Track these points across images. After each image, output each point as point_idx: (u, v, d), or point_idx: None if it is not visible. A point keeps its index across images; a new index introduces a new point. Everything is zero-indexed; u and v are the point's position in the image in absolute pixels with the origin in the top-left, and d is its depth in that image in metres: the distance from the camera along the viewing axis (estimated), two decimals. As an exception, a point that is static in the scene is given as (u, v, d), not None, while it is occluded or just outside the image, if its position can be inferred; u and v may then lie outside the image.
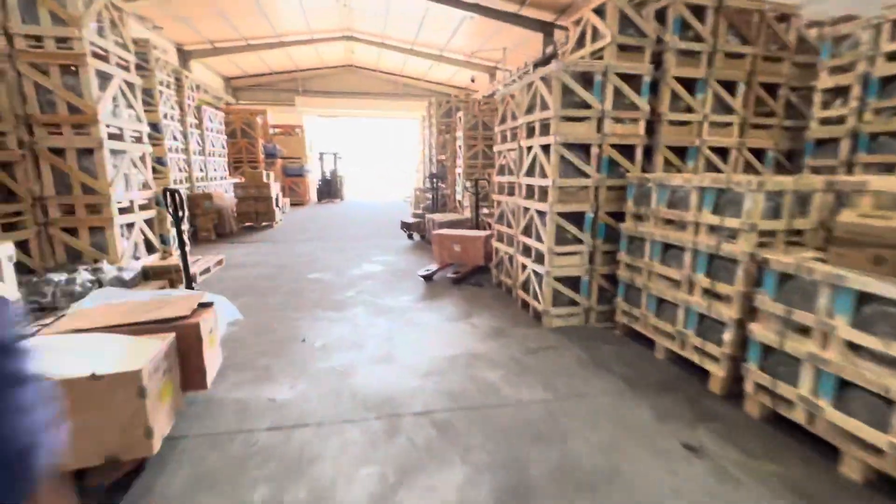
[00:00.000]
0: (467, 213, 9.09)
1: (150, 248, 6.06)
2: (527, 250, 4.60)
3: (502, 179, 5.34)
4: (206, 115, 9.85)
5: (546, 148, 4.08)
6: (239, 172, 12.07)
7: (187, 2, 13.84)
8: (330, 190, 18.15)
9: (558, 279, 4.13)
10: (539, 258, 4.29)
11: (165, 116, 7.85)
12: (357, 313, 4.48)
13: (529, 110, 4.46)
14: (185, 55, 17.35)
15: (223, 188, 10.87)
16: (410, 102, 24.63)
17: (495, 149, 5.61)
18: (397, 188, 27.85)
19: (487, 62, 19.90)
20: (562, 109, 3.88)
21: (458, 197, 10.77)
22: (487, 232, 6.14)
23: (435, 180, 10.16)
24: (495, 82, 18.78)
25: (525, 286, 4.62)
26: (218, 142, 10.80)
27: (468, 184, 8.97)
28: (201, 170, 9.74)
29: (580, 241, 4.10)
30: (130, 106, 5.69)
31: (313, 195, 18.70)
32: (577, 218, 4.09)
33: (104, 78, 4.94)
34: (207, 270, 6.02)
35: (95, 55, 4.78)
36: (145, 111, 7.48)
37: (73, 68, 4.65)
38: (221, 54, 18.19)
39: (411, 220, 9.00)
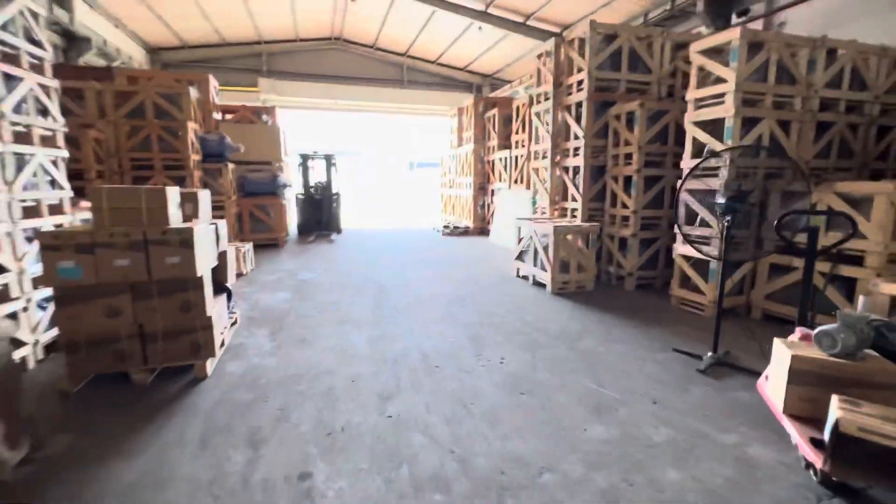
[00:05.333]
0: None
1: None
2: None
3: None
4: None
5: None
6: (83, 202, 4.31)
7: None
8: (320, 217, 10.54)
9: None
10: None
11: None
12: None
13: None
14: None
15: None
16: (420, 93, 17.45)
17: None
18: (415, 210, 20.17)
19: (553, 25, 13.06)
20: None
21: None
22: None
23: (737, 207, 3.06)
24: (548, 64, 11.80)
25: None
26: None
27: None
28: None
29: None
30: None
31: (292, 223, 11.02)
32: None
33: None
34: None
35: None
36: None
37: None
38: (131, -10, 10.29)
39: None
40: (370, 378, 3.02)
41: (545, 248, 5.38)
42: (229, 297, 3.81)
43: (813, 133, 4.36)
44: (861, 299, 3.44)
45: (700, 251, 3.71)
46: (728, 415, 2.58)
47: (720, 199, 3.17)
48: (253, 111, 9.63)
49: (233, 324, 3.90)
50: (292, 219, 11.07)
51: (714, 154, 3.95)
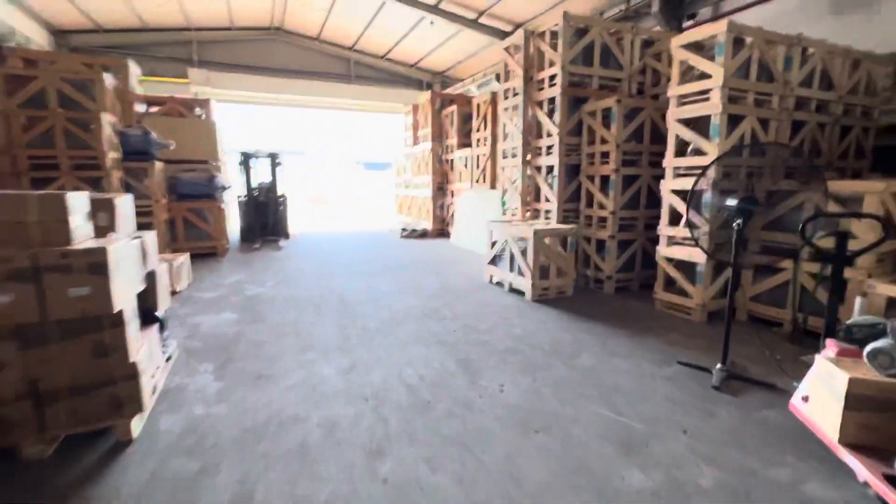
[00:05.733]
0: None
1: None
2: None
3: None
4: None
5: None
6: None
7: None
8: (265, 221, 9.59)
9: None
10: None
11: None
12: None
13: None
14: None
15: None
16: (369, 89, 16.65)
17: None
18: (367, 211, 19.09)
19: (505, 23, 12.84)
20: None
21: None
22: None
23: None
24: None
25: None
26: None
27: None
28: None
29: None
30: None
31: (234, 228, 9.94)
32: None
33: None
34: None
35: None
36: None
37: None
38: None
39: None
40: (351, 425, 2.45)
41: (523, 253, 5.01)
42: (162, 328, 3.07)
43: (789, 132, 4.32)
44: (858, 301, 3.36)
45: (720, 258, 3.48)
46: (767, 443, 2.30)
47: (730, 201, 2.92)
48: (184, 103, 8.51)
49: (168, 359, 3.15)
50: (234, 224, 10.00)
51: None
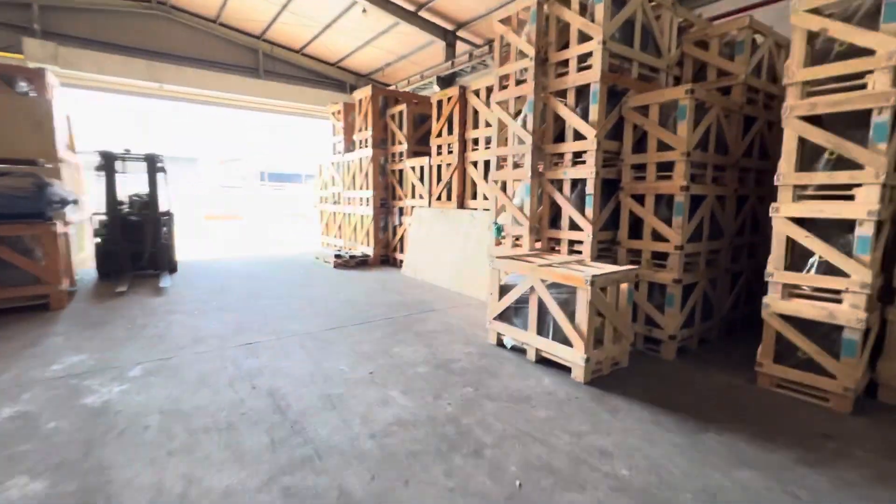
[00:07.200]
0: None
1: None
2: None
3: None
4: None
5: None
6: None
7: None
8: (140, 248, 6.66)
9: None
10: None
11: None
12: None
13: None
14: None
15: None
16: (283, 87, 13.94)
17: None
18: (277, 231, 15.61)
19: (447, 21, 11.29)
20: None
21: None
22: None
23: None
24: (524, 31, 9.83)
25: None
26: None
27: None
28: None
29: None
30: None
31: (88, 262, 6.79)
32: None
33: None
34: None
35: None
36: None
37: None
38: None
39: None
40: None
41: (566, 307, 3.26)
42: None
43: (917, 142, 3.18)
44: None
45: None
46: None
47: None
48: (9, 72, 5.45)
49: None
50: (87, 254, 6.90)
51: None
